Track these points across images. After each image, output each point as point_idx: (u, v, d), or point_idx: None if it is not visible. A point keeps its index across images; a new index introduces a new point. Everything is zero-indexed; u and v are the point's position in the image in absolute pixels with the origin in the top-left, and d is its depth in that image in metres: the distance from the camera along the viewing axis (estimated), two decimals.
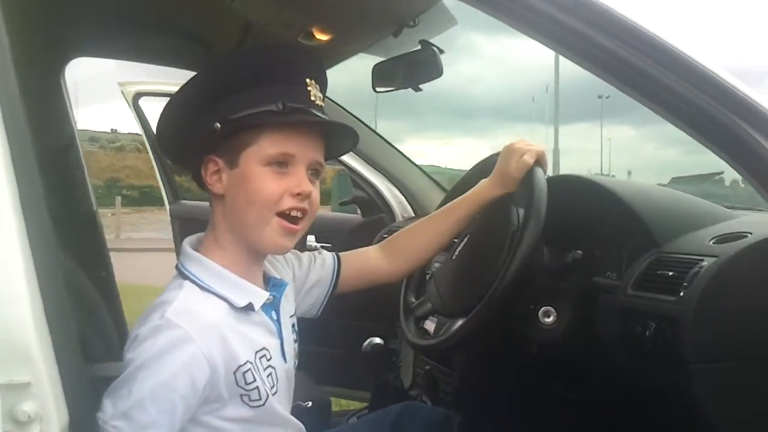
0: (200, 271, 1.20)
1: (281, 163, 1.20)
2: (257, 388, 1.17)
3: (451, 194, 1.68)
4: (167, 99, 1.27)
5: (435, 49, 2.01)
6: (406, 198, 2.96)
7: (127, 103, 3.34)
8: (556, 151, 32.79)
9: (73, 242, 2.09)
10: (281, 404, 1.25)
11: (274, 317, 1.27)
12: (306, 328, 1.45)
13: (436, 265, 1.77)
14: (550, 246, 1.53)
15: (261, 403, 1.18)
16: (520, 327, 1.52)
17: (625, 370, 1.49)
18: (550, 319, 1.50)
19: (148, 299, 1.22)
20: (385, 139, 2.99)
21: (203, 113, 1.20)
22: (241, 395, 1.17)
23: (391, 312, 1.84)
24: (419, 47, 2.05)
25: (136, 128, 3.42)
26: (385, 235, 2.73)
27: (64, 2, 2.08)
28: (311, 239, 3.13)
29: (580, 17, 1.19)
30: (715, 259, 1.31)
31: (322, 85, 1.27)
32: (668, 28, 1.21)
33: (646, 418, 1.52)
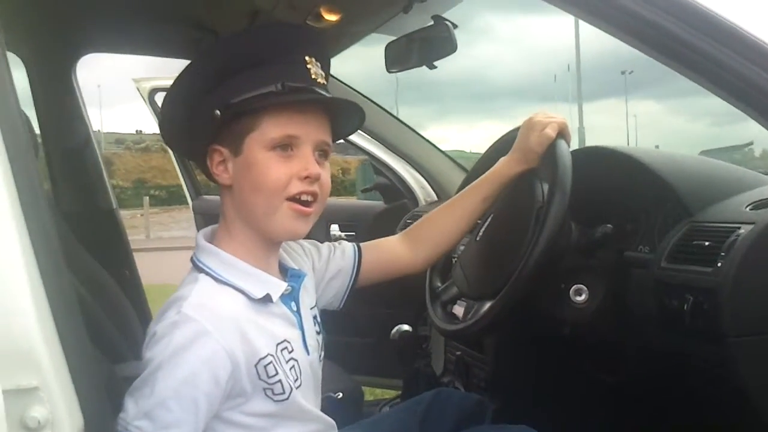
0: (215, 263, 1.17)
1: (286, 146, 1.15)
2: (280, 381, 1.14)
3: (471, 175, 1.63)
4: None
5: (448, 23, 1.95)
6: (428, 182, 2.92)
7: (144, 99, 3.33)
8: (581, 129, 32.46)
9: (93, 241, 2.08)
10: (307, 399, 1.21)
11: (294, 308, 1.23)
12: (332, 317, 1.42)
13: (461, 247, 1.73)
14: (577, 221, 1.47)
15: (285, 397, 1.15)
16: (550, 307, 1.47)
17: (661, 347, 1.45)
18: (582, 298, 1.45)
19: None
20: (404, 123, 2.95)
21: (202, 101, 1.17)
22: (264, 389, 1.13)
23: (418, 298, 1.80)
24: (432, 23, 2.00)
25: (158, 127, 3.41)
26: (409, 221, 2.69)
27: None
28: (335, 228, 3.11)
29: None
30: (753, 226, 1.26)
31: (324, 63, 1.22)
32: None
33: (685, 396, 1.48)
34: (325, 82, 1.21)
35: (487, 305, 1.43)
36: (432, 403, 1.61)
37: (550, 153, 1.41)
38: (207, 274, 1.16)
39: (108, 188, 2.60)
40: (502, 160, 1.50)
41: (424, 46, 2.06)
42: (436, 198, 2.90)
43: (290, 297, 1.23)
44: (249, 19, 2.06)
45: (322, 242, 1.45)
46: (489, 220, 1.57)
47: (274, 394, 1.14)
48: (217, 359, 1.07)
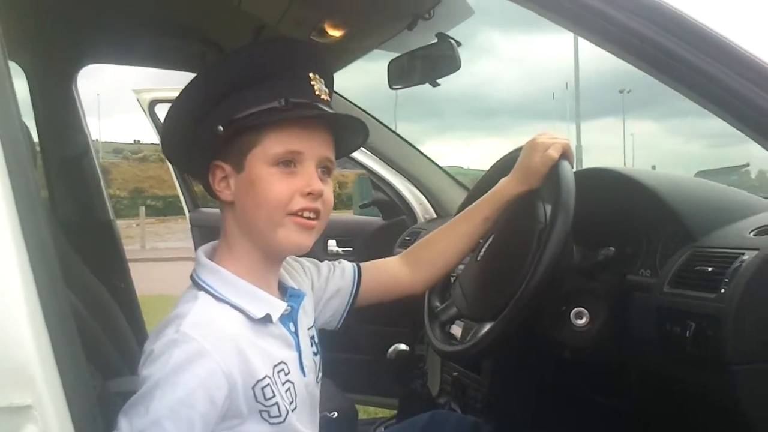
0: (215, 281, 1.15)
1: (288, 162, 1.14)
2: (277, 404, 1.12)
3: (473, 195, 1.62)
4: None
5: (452, 41, 1.95)
6: (427, 199, 2.91)
7: (143, 110, 3.33)
8: (579, 148, 32.48)
9: (89, 253, 2.06)
10: (302, 421, 1.19)
11: (292, 329, 1.21)
12: (329, 334, 1.41)
13: (461, 267, 1.71)
14: (579, 244, 1.46)
15: (281, 419, 1.13)
16: (551, 330, 1.46)
17: (663, 373, 1.43)
18: (583, 321, 1.43)
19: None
20: (404, 139, 2.94)
21: (204, 117, 1.16)
22: (261, 411, 1.11)
23: (416, 317, 1.78)
24: (436, 41, 1.99)
25: (157, 138, 3.41)
26: (407, 238, 2.68)
27: (73, 9, 2.05)
28: (332, 244, 3.10)
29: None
30: (757, 252, 1.24)
31: (328, 80, 1.21)
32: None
33: (686, 422, 1.46)
34: (329, 99, 1.20)
35: (487, 327, 1.41)
36: (428, 425, 1.60)
37: (553, 174, 1.39)
38: (207, 292, 1.14)
39: (106, 199, 2.58)
40: (503, 180, 1.49)
41: (428, 63, 2.06)
42: (435, 215, 2.89)
43: (289, 317, 1.21)
44: (254, 33, 2.06)
45: (319, 257, 1.44)
46: (490, 240, 1.55)
47: (270, 416, 1.12)
48: (214, 380, 1.05)
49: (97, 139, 55.86)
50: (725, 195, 1.59)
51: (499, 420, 1.81)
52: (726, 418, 1.32)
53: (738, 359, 1.22)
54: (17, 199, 0.88)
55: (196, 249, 1.26)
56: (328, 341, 1.36)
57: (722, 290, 1.24)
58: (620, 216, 1.64)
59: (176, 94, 1.20)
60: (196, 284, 1.16)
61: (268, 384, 1.11)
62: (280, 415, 1.12)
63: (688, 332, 1.28)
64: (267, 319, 1.15)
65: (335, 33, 1.95)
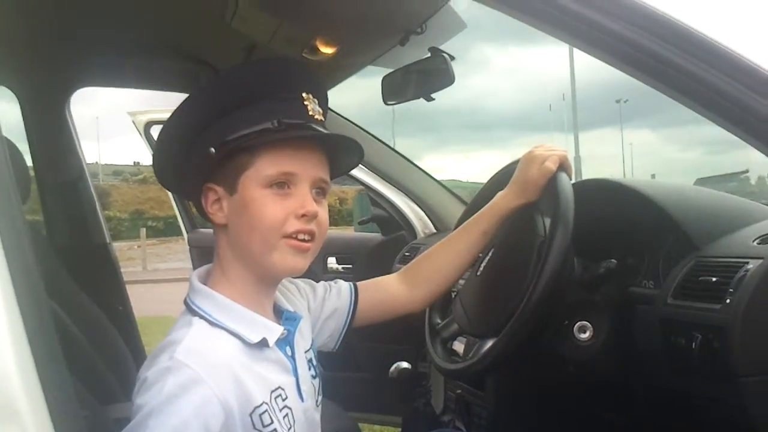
0: (209, 306, 1.13)
1: (282, 183, 1.12)
2: (275, 430, 1.09)
3: (470, 209, 1.60)
4: None
5: (445, 55, 1.93)
6: (426, 214, 2.88)
7: (139, 132, 3.31)
8: (577, 159, 32.51)
9: (86, 276, 2.05)
10: None
11: (289, 353, 1.19)
12: (330, 353, 1.40)
13: (461, 282, 1.69)
14: (580, 256, 1.44)
15: None
16: (554, 345, 1.43)
17: (669, 386, 1.41)
18: (586, 335, 1.41)
19: None
20: (401, 155, 2.93)
21: (196, 139, 1.14)
22: None
23: (417, 333, 1.75)
24: (429, 55, 1.98)
25: None
26: (407, 254, 2.66)
27: (64, 33, 2.04)
28: (332, 261, 3.08)
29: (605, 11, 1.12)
30: (761, 260, 1.22)
31: (321, 99, 1.19)
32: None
33: None
34: (323, 119, 1.18)
35: (489, 343, 1.38)
36: None
37: (551, 186, 1.38)
38: (201, 317, 1.11)
39: (102, 222, 2.56)
40: (500, 193, 1.47)
41: (422, 78, 2.04)
42: (434, 230, 2.87)
43: (285, 341, 1.18)
44: (245, 52, 2.05)
45: (319, 275, 1.41)
46: (490, 254, 1.53)
47: None
48: (209, 408, 1.02)
49: (96, 162, 56.07)
50: (727, 203, 1.57)
51: None
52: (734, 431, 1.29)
53: (746, 371, 1.20)
54: None
55: (194, 270, 1.24)
56: (329, 360, 1.34)
57: (727, 300, 1.22)
58: (621, 227, 1.62)
59: None
60: (191, 310, 1.13)
61: (266, 410, 1.08)
62: None
63: (693, 344, 1.26)
64: (263, 344, 1.12)
65: (327, 50, 1.94)
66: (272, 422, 1.08)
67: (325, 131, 1.16)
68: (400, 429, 2.54)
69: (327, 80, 2.12)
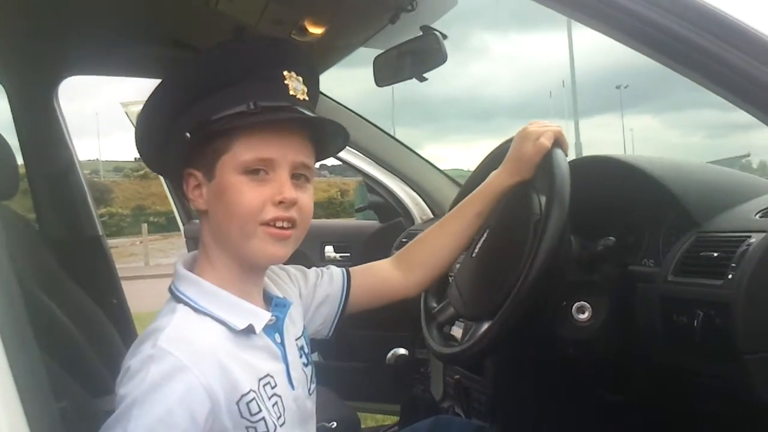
0: (194, 292, 1.10)
1: (259, 169, 1.08)
2: (263, 419, 1.06)
3: (464, 190, 1.57)
4: None
5: (437, 34, 1.89)
6: (423, 199, 2.84)
7: (132, 123, 3.28)
8: (578, 145, 32.39)
9: (77, 269, 2.02)
10: None
11: (278, 340, 1.16)
12: (325, 341, 1.38)
13: (457, 265, 1.65)
14: (577, 234, 1.40)
15: None
16: (552, 326, 1.40)
17: (670, 365, 1.38)
18: (585, 315, 1.37)
19: None
20: (397, 140, 2.88)
21: (173, 123, 1.11)
22: (247, 427, 1.05)
23: (414, 319, 1.72)
24: (420, 34, 1.93)
25: None
26: (404, 240, 2.63)
27: (48, 21, 2.00)
28: (329, 249, 3.05)
29: None
30: (764, 234, 1.19)
31: (309, 77, 1.15)
32: None
33: (696, 415, 1.40)
34: (307, 98, 1.13)
35: (485, 326, 1.35)
36: (430, 431, 1.54)
37: (546, 163, 1.34)
38: (186, 304, 1.09)
39: (93, 214, 2.52)
40: (494, 173, 1.43)
41: (414, 57, 2.00)
42: (432, 215, 2.83)
43: (274, 328, 1.15)
44: (233, 36, 2.00)
45: (317, 263, 1.38)
46: (485, 235, 1.49)
47: None
48: (194, 396, 0.99)
49: (97, 158, 56.10)
50: (728, 177, 1.55)
51: (504, 422, 1.75)
52: (739, 410, 1.28)
53: (750, 347, 1.16)
54: None
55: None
56: (325, 348, 1.31)
57: (729, 276, 1.19)
58: (620, 204, 1.59)
59: None
60: (175, 296, 1.11)
61: (254, 399, 1.05)
62: (267, 431, 1.06)
63: (695, 322, 1.23)
64: (250, 330, 1.10)
65: (316, 30, 1.90)
66: (260, 411, 1.06)
67: (309, 113, 1.12)
68: (398, 417, 2.52)
69: (319, 62, 2.08)
